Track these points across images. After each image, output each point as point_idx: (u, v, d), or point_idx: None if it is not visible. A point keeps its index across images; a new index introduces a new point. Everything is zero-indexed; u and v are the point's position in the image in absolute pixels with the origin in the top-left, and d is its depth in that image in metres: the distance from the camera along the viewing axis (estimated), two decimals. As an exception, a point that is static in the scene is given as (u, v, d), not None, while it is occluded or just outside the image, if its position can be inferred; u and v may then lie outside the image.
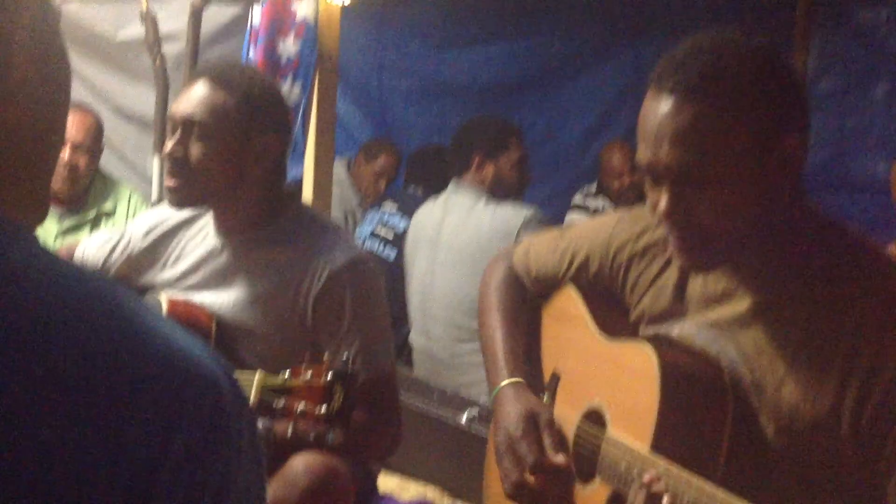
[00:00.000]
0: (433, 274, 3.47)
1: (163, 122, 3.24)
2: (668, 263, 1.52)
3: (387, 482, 2.82)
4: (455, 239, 3.40)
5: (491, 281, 1.84)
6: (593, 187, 4.96)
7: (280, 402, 1.60)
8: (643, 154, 1.34)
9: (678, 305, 1.50)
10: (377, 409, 1.92)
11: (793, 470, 1.35)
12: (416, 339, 3.56)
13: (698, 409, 1.39)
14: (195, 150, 1.91)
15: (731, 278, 1.42)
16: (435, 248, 3.48)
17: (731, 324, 1.42)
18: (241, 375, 1.65)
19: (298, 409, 1.58)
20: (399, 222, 4.21)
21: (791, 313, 1.36)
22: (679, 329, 1.48)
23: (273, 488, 1.73)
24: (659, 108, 1.31)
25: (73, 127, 3.11)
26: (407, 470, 3.11)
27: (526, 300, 1.80)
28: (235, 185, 1.95)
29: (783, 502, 1.27)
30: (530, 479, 1.54)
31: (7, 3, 0.73)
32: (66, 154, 3.13)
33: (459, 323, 3.33)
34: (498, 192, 3.46)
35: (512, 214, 3.34)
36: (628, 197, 4.80)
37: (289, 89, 3.29)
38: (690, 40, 1.35)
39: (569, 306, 1.70)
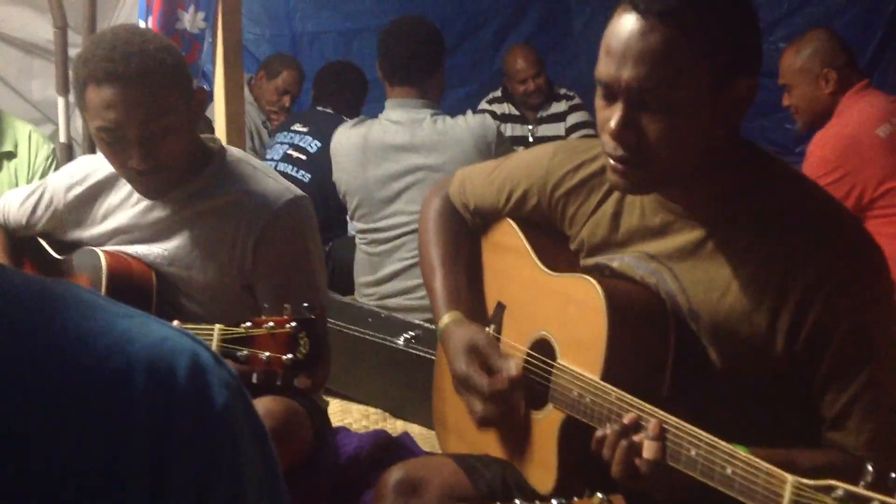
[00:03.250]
0: (386, 187, 3.27)
1: (65, 63, 3.16)
2: (605, 196, 1.59)
3: (329, 407, 2.89)
4: (427, 157, 3.18)
5: (429, 214, 1.87)
6: (499, 92, 4.97)
7: (243, 352, 1.64)
8: (604, 69, 1.37)
9: (615, 236, 1.58)
10: None
11: (734, 390, 1.45)
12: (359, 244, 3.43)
13: (643, 337, 1.47)
14: (166, 144, 1.86)
15: (669, 212, 1.50)
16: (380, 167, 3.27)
17: (668, 256, 1.50)
18: (198, 329, 1.68)
19: (263, 358, 1.62)
20: (311, 143, 4.18)
21: (728, 244, 1.44)
22: (619, 261, 1.56)
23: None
24: (628, 27, 1.33)
25: None
26: (349, 394, 3.19)
27: (465, 231, 1.86)
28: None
29: (725, 421, 1.36)
30: (492, 407, 1.61)
31: None
32: None
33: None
34: (438, 100, 3.27)
35: (482, 124, 3.17)
36: (532, 102, 4.83)
37: (191, 19, 3.21)
38: None
39: (508, 239, 1.76)
